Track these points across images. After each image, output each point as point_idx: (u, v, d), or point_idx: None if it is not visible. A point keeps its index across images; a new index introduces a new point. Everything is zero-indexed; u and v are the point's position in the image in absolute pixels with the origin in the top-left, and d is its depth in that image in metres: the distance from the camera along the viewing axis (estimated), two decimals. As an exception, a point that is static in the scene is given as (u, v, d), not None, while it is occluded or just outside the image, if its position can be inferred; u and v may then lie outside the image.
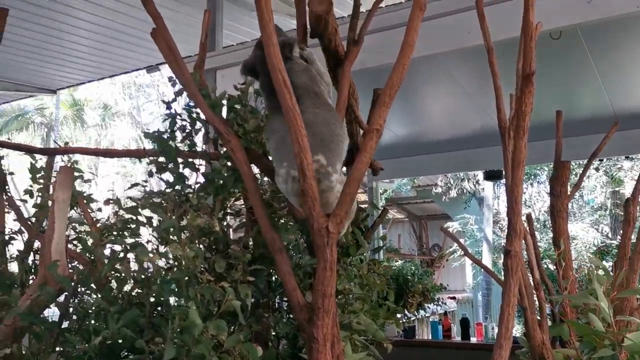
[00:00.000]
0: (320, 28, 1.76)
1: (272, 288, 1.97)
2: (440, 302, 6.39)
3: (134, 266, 1.70)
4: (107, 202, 1.93)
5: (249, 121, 1.86)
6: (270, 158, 1.70)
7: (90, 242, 1.97)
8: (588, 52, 3.26)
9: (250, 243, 1.91)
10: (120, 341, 1.55)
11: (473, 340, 5.25)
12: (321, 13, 1.71)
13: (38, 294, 1.67)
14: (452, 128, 5.10)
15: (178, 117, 1.92)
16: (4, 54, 4.99)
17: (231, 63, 3.57)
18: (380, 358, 1.97)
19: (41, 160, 2.30)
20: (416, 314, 5.81)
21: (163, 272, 1.65)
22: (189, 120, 1.92)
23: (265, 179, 1.93)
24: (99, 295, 1.73)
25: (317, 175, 1.44)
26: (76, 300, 1.80)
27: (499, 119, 1.92)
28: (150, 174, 1.92)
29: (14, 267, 2.12)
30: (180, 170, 1.89)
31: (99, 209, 2.14)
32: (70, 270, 1.83)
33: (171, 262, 1.70)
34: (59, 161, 2.36)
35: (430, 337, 5.73)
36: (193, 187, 1.89)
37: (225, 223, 1.95)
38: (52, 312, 1.85)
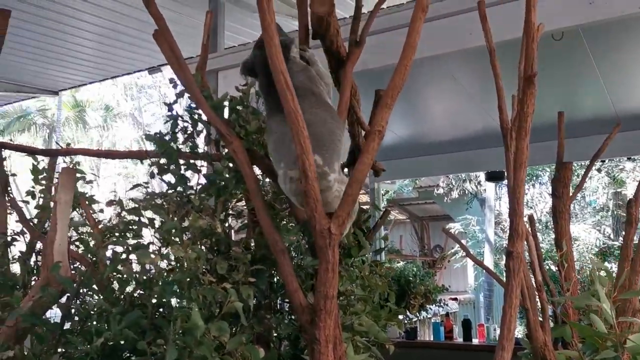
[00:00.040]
0: (322, 29, 1.76)
1: (274, 289, 1.97)
2: (442, 304, 6.40)
3: (136, 267, 1.70)
4: (109, 203, 1.94)
5: (250, 122, 1.85)
6: (271, 159, 1.70)
7: (92, 243, 1.98)
8: (590, 53, 3.26)
9: (252, 244, 1.91)
10: (122, 342, 1.55)
11: (475, 341, 5.23)
12: (323, 14, 1.71)
13: (40, 295, 1.67)
14: (454, 129, 5.09)
15: (180, 118, 1.92)
16: (6, 55, 4.99)
17: (233, 64, 3.57)
18: (382, 359, 1.96)
19: (43, 162, 2.30)
20: (418, 315, 5.80)
21: (165, 274, 1.65)
22: (190, 122, 1.92)
23: (267, 180, 1.93)
24: (101, 297, 1.73)
25: None
26: (78, 302, 1.80)
27: (501, 120, 1.91)
28: (152, 176, 1.92)
29: (16, 268, 2.12)
30: (182, 171, 1.89)
31: (101, 210, 2.15)
32: (73, 272, 1.84)
33: (173, 263, 1.70)
34: (61, 162, 2.37)
35: (432, 339, 5.74)
36: (195, 188, 1.89)
37: (227, 224, 1.94)
38: (54, 314, 1.85)
